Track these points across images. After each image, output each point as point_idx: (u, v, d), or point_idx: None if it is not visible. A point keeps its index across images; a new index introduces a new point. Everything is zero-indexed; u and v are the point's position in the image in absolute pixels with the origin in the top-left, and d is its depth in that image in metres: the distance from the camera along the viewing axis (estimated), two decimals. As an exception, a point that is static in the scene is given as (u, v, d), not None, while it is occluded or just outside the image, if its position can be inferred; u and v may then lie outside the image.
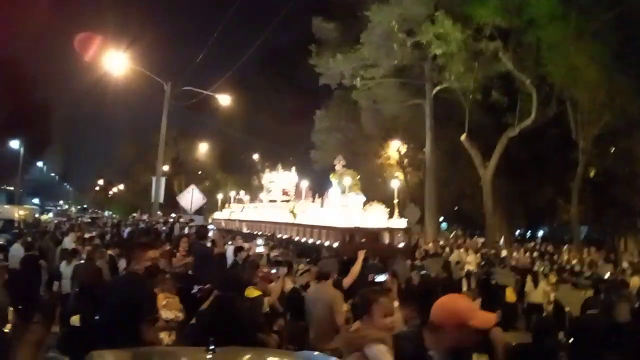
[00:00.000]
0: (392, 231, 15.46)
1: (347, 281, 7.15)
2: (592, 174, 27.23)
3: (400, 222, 16.04)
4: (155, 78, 18.85)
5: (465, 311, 2.74)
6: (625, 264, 17.84)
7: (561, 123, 23.90)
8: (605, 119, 22.17)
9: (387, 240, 15.14)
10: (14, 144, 40.85)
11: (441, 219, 33.57)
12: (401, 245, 15.50)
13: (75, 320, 5.04)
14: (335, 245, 14.49)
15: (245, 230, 21.31)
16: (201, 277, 7.47)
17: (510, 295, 10.15)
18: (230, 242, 13.03)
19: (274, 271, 7.58)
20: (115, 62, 17.30)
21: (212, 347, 3.00)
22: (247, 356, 3.35)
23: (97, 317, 4.63)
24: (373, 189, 27.21)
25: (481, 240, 27.08)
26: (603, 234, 33.68)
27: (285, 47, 37.00)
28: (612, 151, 25.56)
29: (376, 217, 15.53)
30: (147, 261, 4.55)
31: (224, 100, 20.57)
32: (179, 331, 5.41)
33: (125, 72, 18.20)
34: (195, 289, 7.04)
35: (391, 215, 15.84)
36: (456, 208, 35.09)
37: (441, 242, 24.18)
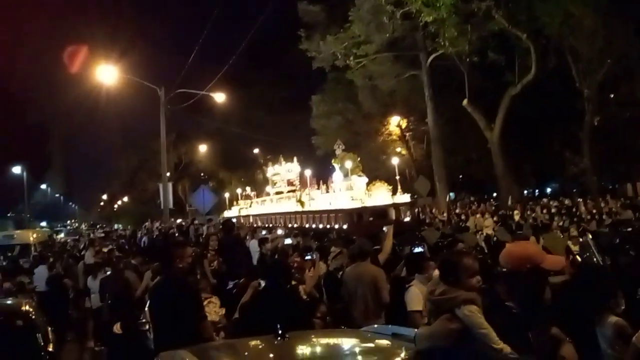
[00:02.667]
0: (397, 207, 15.57)
1: (382, 257, 7.01)
2: (596, 122, 27.00)
3: (404, 198, 16.18)
4: (148, 84, 18.60)
5: (536, 255, 2.90)
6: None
7: (562, 75, 23.63)
8: (607, 65, 21.90)
9: (393, 216, 15.21)
10: (16, 169, 40.74)
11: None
12: (407, 219, 15.60)
13: (117, 328, 4.94)
14: (345, 226, 14.61)
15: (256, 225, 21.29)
16: (234, 272, 7.34)
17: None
18: (247, 237, 12.90)
19: (308, 258, 7.43)
20: (107, 73, 17.11)
21: (280, 333, 2.87)
22: (316, 339, 3.20)
23: (142, 321, 4.52)
24: (377, 168, 27.14)
25: (494, 204, 26.93)
26: (613, 182, 33.57)
27: (273, 37, 36.60)
28: (615, 97, 25.29)
29: (380, 195, 15.70)
30: (188, 258, 4.44)
31: (219, 97, 20.35)
32: (224, 329, 5.27)
33: (117, 82, 18.09)
34: (230, 284, 6.91)
35: (394, 191, 15.92)
36: (460, 176, 34.98)
37: (457, 210, 24.03)
